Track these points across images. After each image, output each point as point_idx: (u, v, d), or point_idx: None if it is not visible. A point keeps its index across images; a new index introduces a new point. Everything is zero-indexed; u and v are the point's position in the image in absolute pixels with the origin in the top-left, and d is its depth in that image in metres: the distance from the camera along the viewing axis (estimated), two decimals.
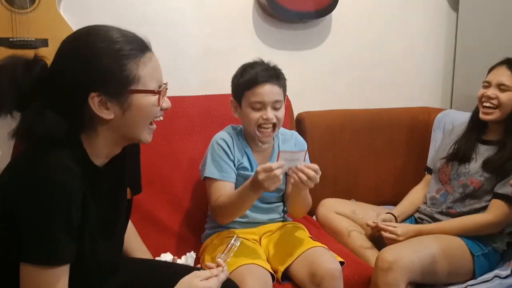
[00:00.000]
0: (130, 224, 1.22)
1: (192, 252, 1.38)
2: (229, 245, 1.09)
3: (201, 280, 0.96)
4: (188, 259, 1.32)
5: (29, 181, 0.81)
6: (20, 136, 0.86)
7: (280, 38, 2.01)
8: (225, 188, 1.37)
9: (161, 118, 0.96)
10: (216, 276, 0.98)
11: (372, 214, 1.59)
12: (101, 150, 0.92)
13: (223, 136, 1.43)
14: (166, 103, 0.94)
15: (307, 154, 1.44)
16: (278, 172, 1.16)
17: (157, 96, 0.91)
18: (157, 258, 1.29)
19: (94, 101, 0.84)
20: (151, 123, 0.94)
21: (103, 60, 0.84)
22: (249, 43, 1.96)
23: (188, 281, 0.96)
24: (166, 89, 0.95)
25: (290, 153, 1.21)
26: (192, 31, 1.87)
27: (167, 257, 1.31)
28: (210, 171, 1.38)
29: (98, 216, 0.93)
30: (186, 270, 1.12)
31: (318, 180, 1.22)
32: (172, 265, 1.21)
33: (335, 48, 2.11)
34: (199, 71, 1.90)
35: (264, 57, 1.46)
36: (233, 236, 1.13)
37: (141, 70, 0.88)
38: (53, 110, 0.83)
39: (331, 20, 2.08)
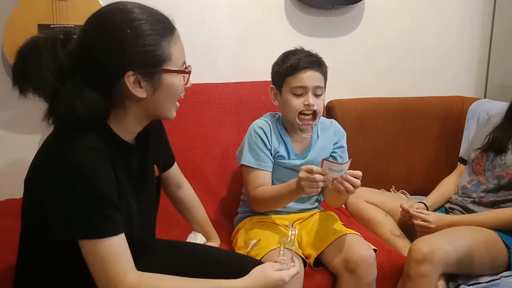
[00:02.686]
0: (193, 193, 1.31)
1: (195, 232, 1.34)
2: (289, 237, 1.08)
3: (275, 270, 0.99)
4: (198, 237, 1.30)
5: (57, 165, 0.83)
6: (57, 117, 0.86)
7: (312, 25, 1.99)
8: (262, 177, 1.38)
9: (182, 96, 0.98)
10: (288, 268, 1.01)
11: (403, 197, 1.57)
12: (128, 126, 0.94)
13: (261, 124, 1.43)
14: (188, 83, 0.97)
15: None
16: (318, 177, 1.13)
17: (185, 76, 0.93)
18: (188, 237, 1.31)
19: (130, 80, 0.86)
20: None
21: (141, 39, 0.85)
22: (281, 30, 1.96)
23: (262, 270, 0.99)
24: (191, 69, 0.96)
25: (334, 164, 1.16)
26: (225, 18, 1.87)
27: (197, 237, 1.31)
28: (247, 159, 1.39)
29: (131, 191, 0.95)
30: (221, 255, 1.16)
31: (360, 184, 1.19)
32: (204, 248, 1.24)
33: (367, 35, 2.09)
34: (232, 58, 1.91)
35: (295, 44, 1.46)
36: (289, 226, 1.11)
37: (173, 49, 0.89)
38: (91, 89, 0.84)
39: (363, 7, 2.05)
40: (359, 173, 1.18)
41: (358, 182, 1.17)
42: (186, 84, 0.95)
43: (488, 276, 1.41)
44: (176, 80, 0.92)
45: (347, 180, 1.16)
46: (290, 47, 1.45)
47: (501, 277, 1.40)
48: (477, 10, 2.24)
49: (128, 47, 0.85)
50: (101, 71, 0.85)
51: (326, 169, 1.14)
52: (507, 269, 1.44)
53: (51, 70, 0.83)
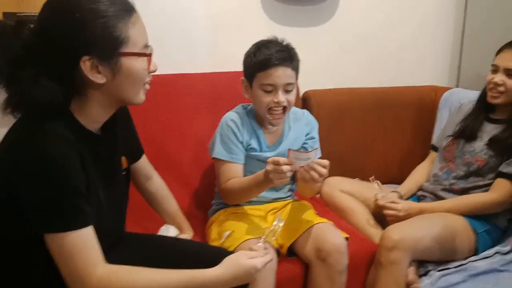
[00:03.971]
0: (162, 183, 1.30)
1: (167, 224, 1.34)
2: (273, 226, 1.10)
3: (248, 258, 0.99)
4: (170, 230, 1.29)
5: (26, 155, 0.81)
6: (15, 107, 0.84)
7: (289, 15, 1.99)
8: (234, 169, 1.37)
9: (150, 79, 0.95)
10: (261, 256, 1.01)
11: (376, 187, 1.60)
12: (93, 115, 0.91)
13: (232, 116, 1.42)
14: (153, 66, 0.93)
15: (318, 148, 1.42)
16: (286, 168, 1.13)
17: (146, 59, 0.90)
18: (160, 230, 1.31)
19: (86, 65, 0.83)
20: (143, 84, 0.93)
21: (94, 21, 0.82)
22: (258, 20, 1.94)
23: (235, 258, 0.99)
24: (152, 51, 0.93)
25: (300, 153, 1.16)
26: (200, 7, 1.84)
27: (169, 229, 1.31)
28: (219, 152, 1.39)
29: (99, 182, 0.94)
30: (192, 247, 1.16)
31: (327, 174, 1.20)
32: (176, 240, 1.24)
33: (343, 26, 2.09)
34: (208, 48, 1.89)
35: (271, 34, 1.43)
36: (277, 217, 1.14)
37: (131, 31, 0.86)
38: (47, 77, 0.82)
39: None
40: (325, 162, 1.19)
41: (323, 170, 1.18)
42: (149, 67, 0.92)
43: (457, 261, 1.45)
44: (137, 64, 0.89)
45: (313, 169, 1.17)
46: (266, 37, 1.42)
47: (468, 262, 1.44)
48: (450, 3, 2.26)
49: (82, 31, 0.82)
50: (57, 57, 0.83)
51: (293, 159, 1.15)
52: (475, 254, 1.48)
53: (4, 58, 0.80)
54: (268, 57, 1.32)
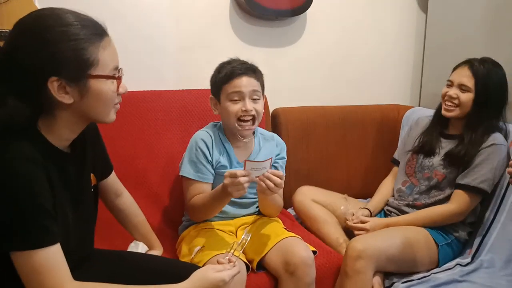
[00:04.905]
0: (130, 197, 1.30)
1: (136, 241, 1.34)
2: (240, 240, 1.12)
3: (215, 272, 1.00)
4: (139, 246, 1.30)
5: None
6: None
7: (256, 35, 2.05)
8: (200, 188, 1.40)
9: (119, 101, 0.97)
10: (228, 269, 1.03)
11: (342, 208, 1.66)
12: (61, 133, 0.92)
13: (202, 136, 1.45)
14: (122, 88, 0.95)
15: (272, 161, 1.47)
16: (243, 180, 1.17)
17: (115, 81, 0.91)
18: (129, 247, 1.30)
19: (54, 86, 0.84)
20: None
21: (64, 44, 0.83)
22: (226, 40, 1.99)
23: (202, 272, 1.01)
24: (123, 74, 0.95)
25: (256, 163, 1.21)
26: (169, 27, 1.88)
27: (139, 246, 1.31)
28: (186, 170, 1.41)
29: (67, 200, 0.94)
30: (161, 263, 1.16)
31: (283, 185, 1.25)
32: (145, 257, 1.24)
33: (310, 46, 2.17)
34: (176, 67, 1.92)
35: (240, 53, 1.50)
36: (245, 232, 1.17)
37: (101, 54, 0.88)
38: (14, 95, 0.83)
39: (306, 19, 2.13)
40: (280, 172, 1.25)
41: (278, 180, 1.23)
42: (117, 90, 0.93)
43: (421, 273, 1.50)
44: (105, 86, 0.90)
45: (268, 178, 1.22)
46: (235, 56, 1.48)
47: (431, 273, 1.49)
48: (410, 24, 2.39)
49: (51, 52, 0.83)
50: (24, 76, 0.84)
51: (249, 169, 1.19)
52: (437, 266, 1.54)
53: None
54: (231, 69, 1.38)
